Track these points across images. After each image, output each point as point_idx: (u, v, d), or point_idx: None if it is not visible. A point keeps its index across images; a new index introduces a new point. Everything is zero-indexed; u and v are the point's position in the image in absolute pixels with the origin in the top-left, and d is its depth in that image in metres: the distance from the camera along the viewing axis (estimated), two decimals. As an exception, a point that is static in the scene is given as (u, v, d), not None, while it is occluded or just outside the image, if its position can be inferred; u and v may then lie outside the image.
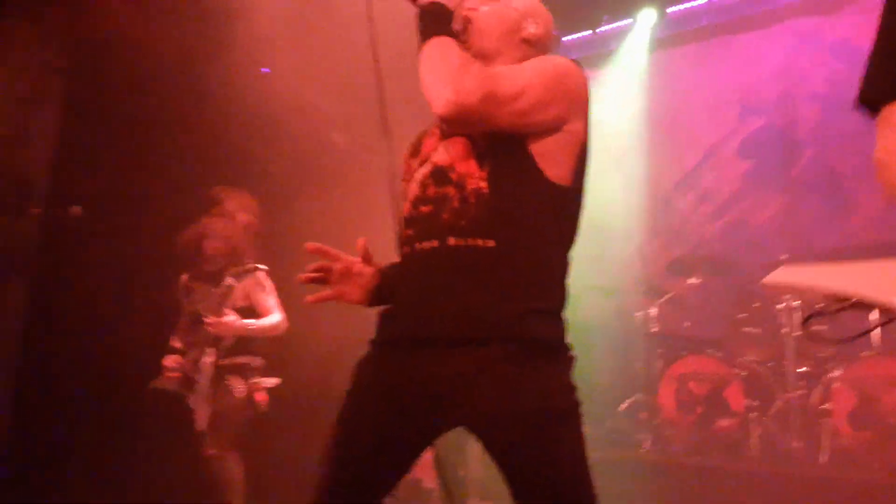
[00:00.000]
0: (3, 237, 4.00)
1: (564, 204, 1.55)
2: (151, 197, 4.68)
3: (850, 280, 1.05)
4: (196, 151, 5.01)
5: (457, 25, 1.62)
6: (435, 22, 1.57)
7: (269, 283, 3.60)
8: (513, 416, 1.40)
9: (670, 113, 5.51)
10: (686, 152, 5.46)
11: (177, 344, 3.54)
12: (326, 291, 1.62)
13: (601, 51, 5.87)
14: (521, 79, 1.49)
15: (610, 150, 5.28)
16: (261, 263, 3.54)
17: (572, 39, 6.04)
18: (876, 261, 1.02)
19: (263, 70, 5.47)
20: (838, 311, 1.06)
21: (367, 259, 1.62)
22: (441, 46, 1.52)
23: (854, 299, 1.03)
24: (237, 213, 3.63)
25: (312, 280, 1.63)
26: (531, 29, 1.69)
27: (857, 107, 1.09)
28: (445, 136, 1.60)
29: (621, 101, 5.62)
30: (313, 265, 1.62)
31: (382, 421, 1.49)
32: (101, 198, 4.41)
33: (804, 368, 4.09)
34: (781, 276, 1.14)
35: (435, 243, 1.50)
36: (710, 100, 5.37)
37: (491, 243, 1.46)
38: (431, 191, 1.54)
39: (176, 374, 3.44)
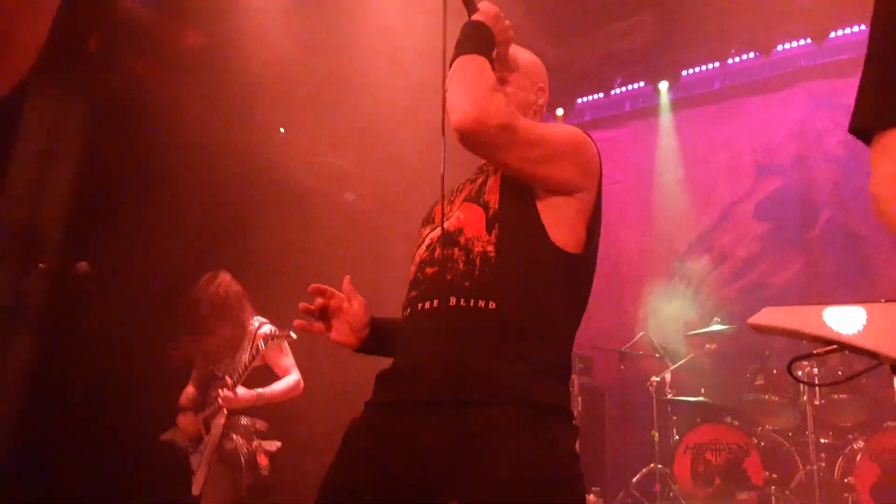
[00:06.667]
0: (10, 291, 4.02)
1: (572, 270, 1.52)
2: (162, 253, 4.72)
3: (836, 323, 1.00)
4: (209, 210, 5.07)
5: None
6: (480, 39, 1.56)
7: (285, 344, 3.59)
8: (507, 486, 1.31)
9: (683, 174, 5.44)
10: (700, 213, 5.37)
11: (191, 393, 3.58)
12: (317, 324, 1.65)
13: (614, 112, 5.87)
14: (541, 130, 1.52)
15: (623, 212, 5.22)
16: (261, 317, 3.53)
17: (586, 101, 6.06)
18: (867, 304, 0.97)
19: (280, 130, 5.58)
20: (823, 354, 1.02)
21: (350, 296, 1.64)
22: (479, 64, 1.52)
23: (838, 344, 0.99)
24: (224, 284, 3.64)
25: (308, 310, 1.65)
26: (540, 101, 1.75)
27: (853, 134, 1.08)
28: (459, 201, 1.59)
29: (634, 162, 5.58)
30: (315, 302, 1.65)
31: (369, 486, 1.42)
32: (112, 254, 4.46)
33: (826, 440, 3.89)
34: (766, 317, 1.08)
35: (436, 303, 1.47)
36: (724, 161, 5.31)
37: (493, 305, 1.43)
38: (437, 253, 1.53)
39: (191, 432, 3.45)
